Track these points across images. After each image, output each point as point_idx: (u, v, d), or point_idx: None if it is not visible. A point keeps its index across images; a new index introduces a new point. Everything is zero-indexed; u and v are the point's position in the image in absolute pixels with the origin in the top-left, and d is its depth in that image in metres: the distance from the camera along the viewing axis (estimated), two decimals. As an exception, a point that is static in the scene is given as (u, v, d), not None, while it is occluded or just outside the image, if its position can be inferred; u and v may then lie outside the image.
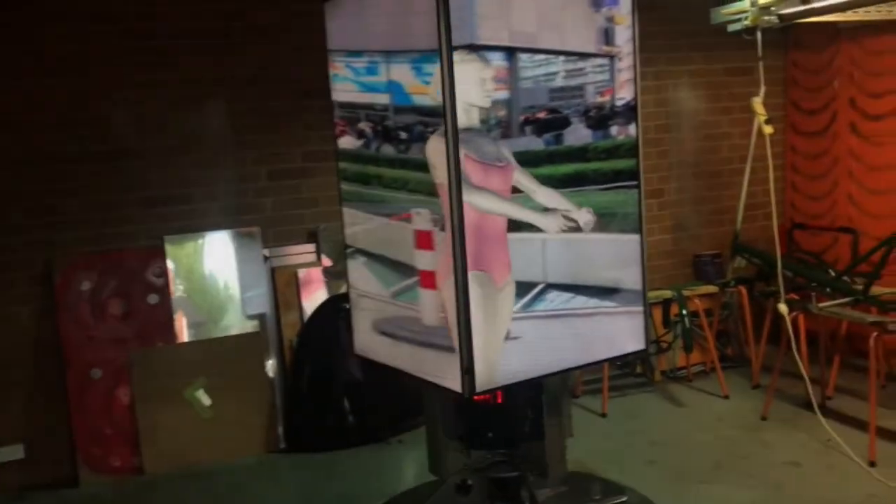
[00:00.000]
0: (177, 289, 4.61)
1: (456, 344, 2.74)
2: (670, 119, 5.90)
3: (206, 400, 4.58)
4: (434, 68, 2.75)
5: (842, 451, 4.08)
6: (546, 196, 2.92)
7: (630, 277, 3.15)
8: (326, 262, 4.93)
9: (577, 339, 3.05)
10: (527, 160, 2.90)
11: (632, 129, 3.10)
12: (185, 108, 4.61)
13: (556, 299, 3.03)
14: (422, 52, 2.80)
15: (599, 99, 3.06)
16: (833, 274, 4.93)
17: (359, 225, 3.20)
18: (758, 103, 4.61)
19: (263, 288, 4.79)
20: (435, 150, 2.73)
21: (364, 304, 3.23)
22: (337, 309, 4.76)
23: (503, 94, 2.87)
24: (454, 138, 2.64)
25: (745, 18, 4.18)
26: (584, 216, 3.00)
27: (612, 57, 3.07)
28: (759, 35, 4.47)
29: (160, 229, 4.58)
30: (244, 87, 4.72)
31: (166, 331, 4.58)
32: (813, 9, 3.97)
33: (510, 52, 2.92)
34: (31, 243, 4.35)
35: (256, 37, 4.72)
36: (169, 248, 4.59)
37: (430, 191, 2.79)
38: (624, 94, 3.09)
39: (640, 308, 3.17)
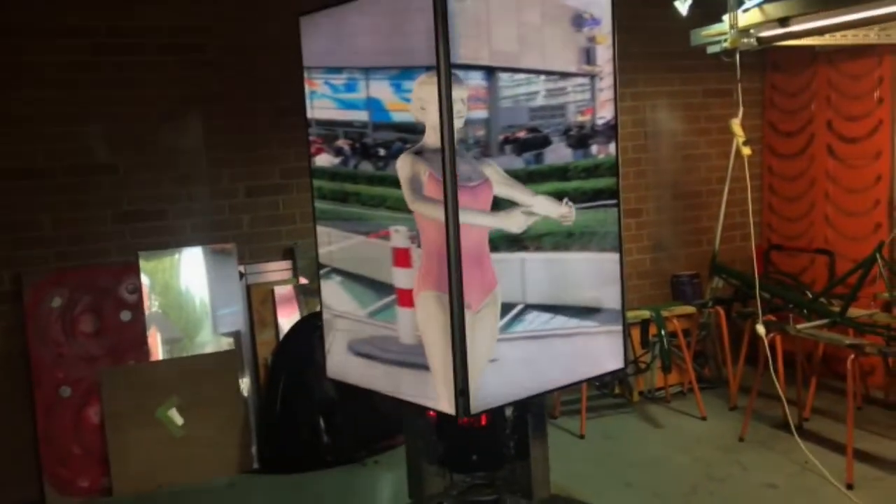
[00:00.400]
0: (150, 305, 4.53)
1: (431, 363, 2.70)
2: (648, 139, 5.91)
3: (178, 419, 4.49)
4: (412, 85, 2.74)
5: (819, 474, 4.07)
6: (543, 205, 2.90)
7: (609, 296, 3.13)
8: (303, 279, 4.88)
9: (557, 359, 3.02)
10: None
11: (612, 147, 3.09)
12: (161, 123, 4.55)
13: (535, 320, 3.01)
14: (401, 69, 2.78)
15: (580, 118, 3.04)
16: (810, 295, 4.94)
17: (335, 244, 3.15)
18: (736, 124, 4.64)
19: (239, 305, 4.72)
20: (402, 166, 2.72)
21: (339, 325, 3.18)
22: (313, 327, 4.69)
23: (482, 114, 2.84)
24: (451, 156, 2.61)
25: (725, 41, 4.19)
26: (561, 209, 2.97)
27: (593, 76, 3.07)
28: (737, 57, 4.49)
29: (134, 245, 4.51)
30: (221, 103, 4.67)
31: (139, 348, 4.50)
32: (791, 32, 3.99)
33: (490, 71, 2.90)
34: (-1, 259, 4.26)
35: (234, 53, 4.68)
36: (143, 264, 4.52)
37: (408, 207, 2.77)
38: (604, 114, 3.08)
39: (620, 327, 3.15)
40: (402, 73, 2.78)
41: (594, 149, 3.07)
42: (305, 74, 3.13)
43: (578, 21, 3.05)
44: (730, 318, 5.43)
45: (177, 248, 4.61)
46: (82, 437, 4.37)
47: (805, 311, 4.76)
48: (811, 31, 4.00)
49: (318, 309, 4.81)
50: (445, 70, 2.61)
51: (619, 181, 3.12)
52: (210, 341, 4.66)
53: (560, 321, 3.03)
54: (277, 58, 4.71)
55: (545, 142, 3.02)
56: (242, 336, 4.73)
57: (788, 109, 5.98)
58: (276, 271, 4.85)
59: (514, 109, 2.99)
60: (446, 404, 2.72)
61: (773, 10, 4.02)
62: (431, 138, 2.66)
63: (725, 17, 4.28)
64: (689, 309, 5.38)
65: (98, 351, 4.42)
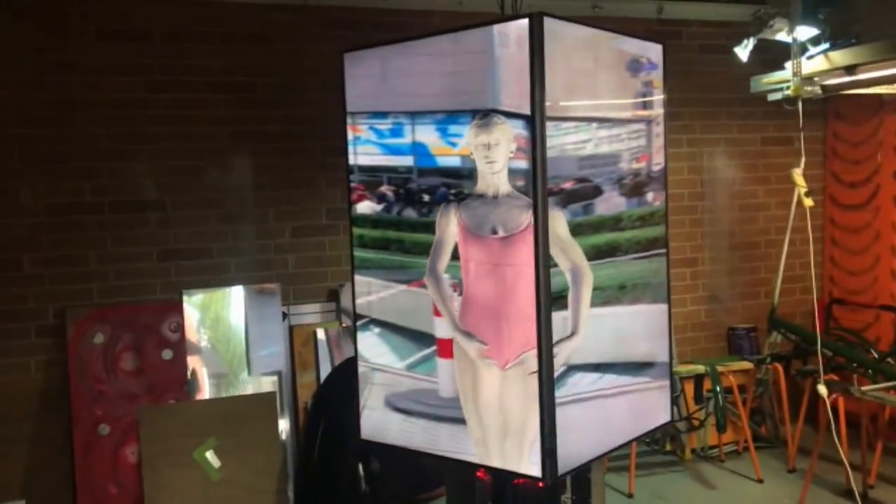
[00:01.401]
0: (192, 345, 4.49)
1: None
2: (705, 187, 5.74)
3: (215, 461, 4.41)
4: (460, 129, 2.67)
5: (886, 548, 3.81)
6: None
7: (662, 350, 2.98)
8: (346, 322, 4.79)
9: (606, 420, 2.86)
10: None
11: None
12: (208, 161, 4.55)
13: (579, 382, 2.86)
14: (448, 113, 2.71)
15: (635, 165, 2.92)
16: (875, 354, 4.69)
17: (374, 294, 3.06)
18: (798, 174, 4.46)
19: (280, 346, 4.65)
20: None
21: (376, 379, 3.08)
22: (353, 371, 4.59)
23: (522, 164, 2.71)
24: (543, 203, 2.54)
25: (787, 88, 4.04)
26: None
27: (649, 122, 2.95)
28: (799, 105, 4.33)
29: (178, 283, 4.48)
30: (268, 141, 4.66)
31: (179, 388, 4.44)
32: (858, 81, 3.83)
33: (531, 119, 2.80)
34: (44, 293, 4.27)
35: (283, 92, 4.67)
36: (186, 303, 4.48)
37: (454, 254, 2.68)
38: (660, 160, 2.97)
39: (668, 381, 2.99)
40: (449, 118, 2.71)
41: (650, 196, 2.95)
42: (349, 120, 3.05)
43: (635, 66, 2.94)
44: (788, 376, 5.19)
45: (220, 287, 4.57)
46: (119, 477, 4.32)
47: (869, 371, 4.52)
48: (879, 79, 3.83)
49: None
50: (540, 118, 2.52)
51: (667, 229, 2.98)
52: (250, 383, 4.59)
53: (609, 380, 2.87)
54: (325, 97, 4.69)
55: (596, 192, 2.90)
56: (283, 378, 4.65)
57: (852, 159, 5.76)
58: (320, 313, 4.78)
59: (559, 159, 2.86)
60: (525, 465, 2.59)
61: (839, 58, 3.87)
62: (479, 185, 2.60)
63: (788, 64, 4.13)
64: (746, 364, 5.15)
65: (138, 389, 4.38)
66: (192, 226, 4.52)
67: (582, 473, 2.97)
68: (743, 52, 4.29)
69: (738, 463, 5.12)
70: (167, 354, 4.45)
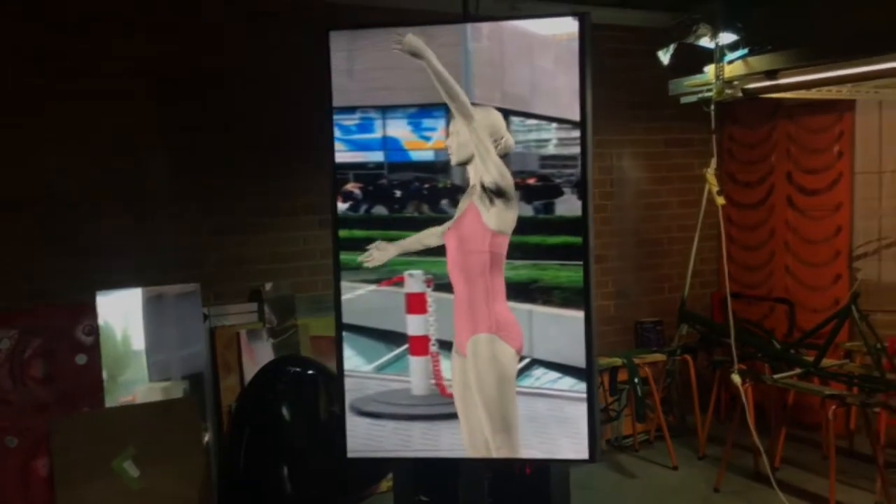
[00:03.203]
0: (108, 348, 4.24)
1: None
2: (614, 187, 5.92)
3: (134, 471, 4.19)
4: (434, 123, 2.65)
5: (801, 526, 4.06)
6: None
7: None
8: (270, 322, 4.65)
9: (565, 423, 2.90)
10: (517, 227, 2.81)
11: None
12: (124, 155, 4.30)
13: (543, 377, 2.90)
14: (421, 107, 2.68)
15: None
16: (777, 345, 4.98)
17: (342, 296, 2.99)
18: (710, 174, 4.67)
19: (202, 349, 4.46)
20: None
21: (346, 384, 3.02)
22: (280, 373, 4.49)
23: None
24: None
25: (709, 91, 4.23)
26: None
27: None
28: (712, 109, 4.54)
29: (92, 284, 4.21)
30: (189, 135, 4.46)
31: (94, 394, 4.19)
32: (779, 84, 4.05)
33: (503, 113, 2.82)
34: (-56, 297, 3.93)
35: (203, 84, 4.48)
36: (101, 304, 4.23)
37: (426, 248, 2.67)
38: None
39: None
40: (422, 111, 2.68)
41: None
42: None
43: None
44: (696, 366, 5.43)
45: (137, 288, 4.34)
46: (29, 492, 4.02)
47: (774, 360, 4.79)
48: (799, 84, 4.07)
49: (285, 354, 4.66)
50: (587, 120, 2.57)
51: (588, 239, 2.95)
52: (170, 387, 4.38)
53: (567, 382, 2.92)
54: (252, 90, 4.55)
55: (557, 191, 2.94)
56: (205, 381, 4.47)
57: (747, 161, 6.09)
58: (242, 313, 4.62)
59: (524, 155, 2.91)
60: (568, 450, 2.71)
61: (758, 63, 4.08)
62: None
63: (708, 68, 4.32)
64: (660, 356, 5.35)
65: (49, 397, 4.10)
66: (106, 223, 4.26)
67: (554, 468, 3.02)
68: (665, 56, 4.45)
69: (651, 452, 5.32)
70: (81, 359, 4.19)
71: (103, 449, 4.14)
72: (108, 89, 4.24)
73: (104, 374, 4.23)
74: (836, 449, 5.12)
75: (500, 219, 2.74)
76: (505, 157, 2.77)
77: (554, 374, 2.85)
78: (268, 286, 4.64)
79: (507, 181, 2.73)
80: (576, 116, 2.89)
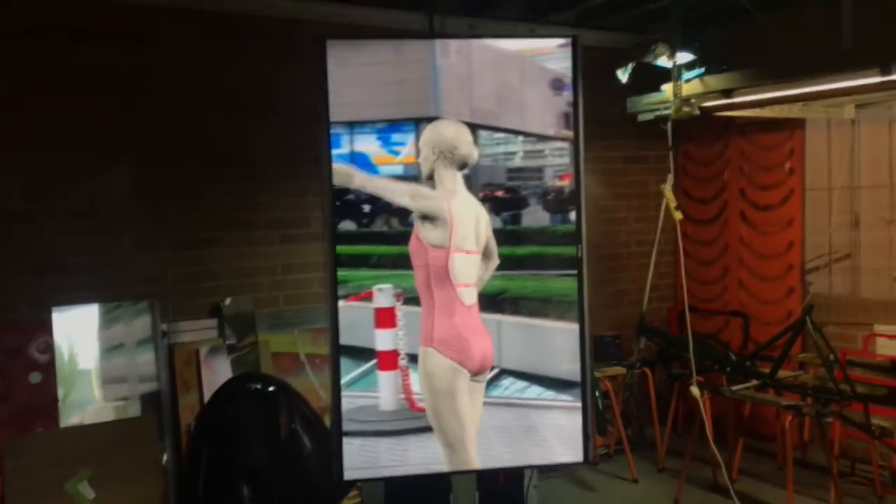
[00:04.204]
0: (63, 367, 4.14)
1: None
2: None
3: (89, 493, 4.08)
4: (403, 137, 2.67)
5: (761, 536, 4.12)
6: None
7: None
8: (230, 339, 4.59)
9: (529, 433, 2.92)
10: (486, 239, 2.84)
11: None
12: (83, 169, 4.23)
13: (511, 387, 2.92)
14: (389, 122, 2.69)
15: (558, 182, 3.02)
16: (733, 357, 5.07)
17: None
18: (668, 190, 4.74)
19: (160, 366, 4.38)
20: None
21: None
22: (241, 390, 4.43)
23: (465, 170, 2.81)
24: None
25: (667, 109, 4.31)
26: None
27: (572, 141, 3.05)
28: (669, 126, 4.64)
29: (48, 300, 4.12)
30: (148, 149, 4.40)
31: (48, 414, 4.08)
32: (734, 103, 4.15)
33: (471, 128, 2.85)
34: None
35: (168, 98, 4.43)
36: (57, 321, 4.13)
37: (395, 262, 2.67)
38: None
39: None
40: (391, 126, 2.69)
41: (572, 215, 3.04)
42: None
43: (558, 85, 3.04)
44: (655, 379, 5.50)
45: (94, 304, 4.25)
46: (-21, 516, 3.90)
47: (728, 371, 4.86)
48: (753, 102, 4.17)
49: (245, 371, 4.59)
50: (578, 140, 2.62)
51: (583, 250, 3.04)
52: (127, 406, 4.29)
53: (535, 391, 2.94)
54: (213, 103, 4.52)
55: (523, 203, 2.98)
56: (163, 399, 4.38)
57: (702, 177, 6.21)
58: (202, 330, 4.55)
59: (492, 168, 2.95)
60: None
61: (714, 82, 4.18)
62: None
63: (666, 87, 4.41)
64: (620, 369, 5.41)
65: (2, 417, 3.99)
66: (63, 238, 4.18)
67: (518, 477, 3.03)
68: (623, 75, 4.53)
69: (610, 465, 5.36)
70: (35, 378, 4.09)
71: (58, 470, 4.03)
72: (62, 101, 4.17)
73: (59, 393, 4.13)
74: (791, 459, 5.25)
75: (433, 233, 2.75)
76: (464, 168, 2.78)
77: (522, 384, 2.87)
78: (227, 302, 4.59)
79: None
80: (540, 130, 2.95)
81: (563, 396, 2.99)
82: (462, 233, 2.76)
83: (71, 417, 4.16)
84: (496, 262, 2.86)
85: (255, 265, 4.72)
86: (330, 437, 3.03)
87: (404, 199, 2.71)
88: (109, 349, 4.30)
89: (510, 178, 2.95)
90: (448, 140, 2.72)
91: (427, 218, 2.71)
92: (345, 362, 2.80)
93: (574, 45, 2.69)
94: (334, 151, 2.75)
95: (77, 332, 4.22)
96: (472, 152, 2.79)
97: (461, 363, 2.73)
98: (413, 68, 2.68)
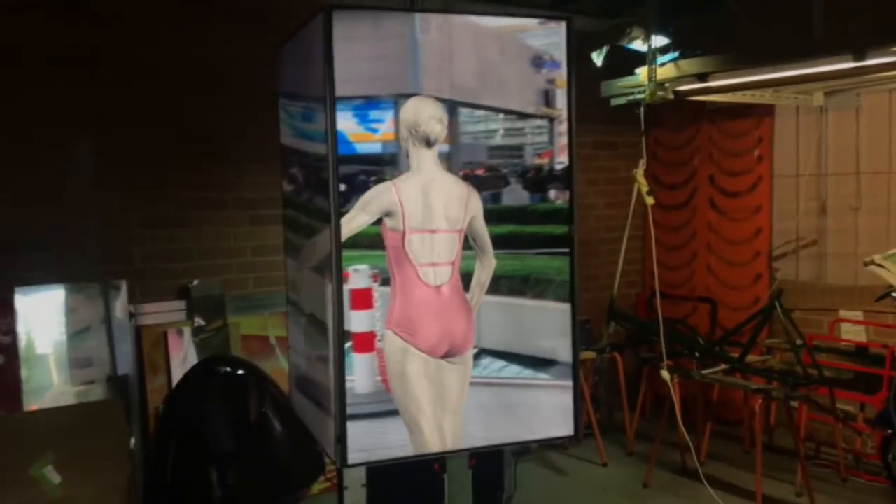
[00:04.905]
0: (25, 348, 4.03)
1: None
2: (544, 186, 5.98)
3: (55, 478, 3.98)
4: (381, 114, 2.63)
5: (729, 518, 4.17)
6: None
7: (565, 349, 3.05)
8: (199, 321, 4.52)
9: (509, 411, 2.91)
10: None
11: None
12: (47, 144, 4.12)
13: (489, 366, 2.90)
14: (367, 98, 2.64)
15: (538, 161, 3.00)
16: (702, 342, 5.11)
17: (292, 275, 2.93)
18: (640, 174, 4.75)
19: (127, 348, 4.30)
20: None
21: (293, 359, 2.96)
22: (209, 373, 4.36)
23: (444, 147, 2.77)
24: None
25: (642, 93, 4.31)
26: None
27: (551, 119, 3.03)
28: (642, 111, 4.64)
29: (9, 280, 4.01)
30: (115, 124, 4.29)
31: (11, 397, 3.98)
32: (709, 87, 4.16)
33: (451, 105, 2.82)
34: None
35: (133, 73, 4.32)
36: (19, 302, 4.02)
37: (372, 243, 2.62)
38: (563, 158, 3.05)
39: (569, 383, 3.03)
40: (369, 103, 2.64)
41: (552, 193, 3.02)
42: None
43: (538, 62, 3.02)
44: (625, 363, 5.53)
45: (58, 284, 4.15)
46: (-61, 501, 3.79)
47: (697, 355, 4.90)
48: (727, 87, 4.19)
49: (214, 354, 4.52)
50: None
51: (573, 229, 3.06)
52: (93, 389, 4.20)
53: (514, 370, 2.93)
54: (183, 81, 4.42)
55: (503, 181, 2.96)
56: (130, 382, 4.30)
57: (671, 163, 6.25)
58: (170, 311, 4.47)
59: (473, 146, 2.92)
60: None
61: (689, 66, 4.19)
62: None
63: (640, 70, 4.41)
64: (590, 354, 5.43)
65: (-38, 400, 3.88)
66: (24, 215, 4.07)
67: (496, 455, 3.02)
68: (598, 58, 4.53)
69: (579, 449, 5.38)
70: (-3, 360, 3.98)
71: (22, 454, 3.93)
72: (27, 77, 4.05)
73: (23, 376, 4.02)
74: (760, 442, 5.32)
75: (388, 219, 2.69)
76: (430, 145, 2.72)
77: (500, 363, 2.85)
78: (195, 283, 4.51)
79: None
80: (521, 107, 2.93)
81: (542, 375, 2.98)
82: (419, 214, 2.69)
83: (35, 401, 4.06)
84: (491, 261, 2.80)
85: (225, 246, 4.65)
86: (299, 422, 3.00)
87: (363, 219, 2.64)
88: (75, 332, 4.20)
89: (491, 156, 2.92)
90: (411, 117, 2.67)
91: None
92: (320, 337, 2.76)
93: (568, 28, 2.70)
94: (310, 125, 2.69)
95: (41, 313, 4.11)
96: (433, 129, 2.69)
97: (413, 344, 2.70)
98: (392, 44, 2.63)
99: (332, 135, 2.53)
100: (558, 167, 3.03)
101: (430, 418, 2.74)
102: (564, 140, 3.03)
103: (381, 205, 2.63)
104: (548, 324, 3.00)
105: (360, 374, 2.75)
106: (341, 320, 2.56)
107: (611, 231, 6.20)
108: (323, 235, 2.61)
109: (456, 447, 2.79)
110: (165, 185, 4.45)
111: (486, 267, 2.81)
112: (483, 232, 2.80)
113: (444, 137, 2.73)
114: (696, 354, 4.93)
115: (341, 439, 2.51)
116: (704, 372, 4.62)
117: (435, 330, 2.73)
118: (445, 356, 2.76)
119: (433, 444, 2.73)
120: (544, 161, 3.01)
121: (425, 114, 2.68)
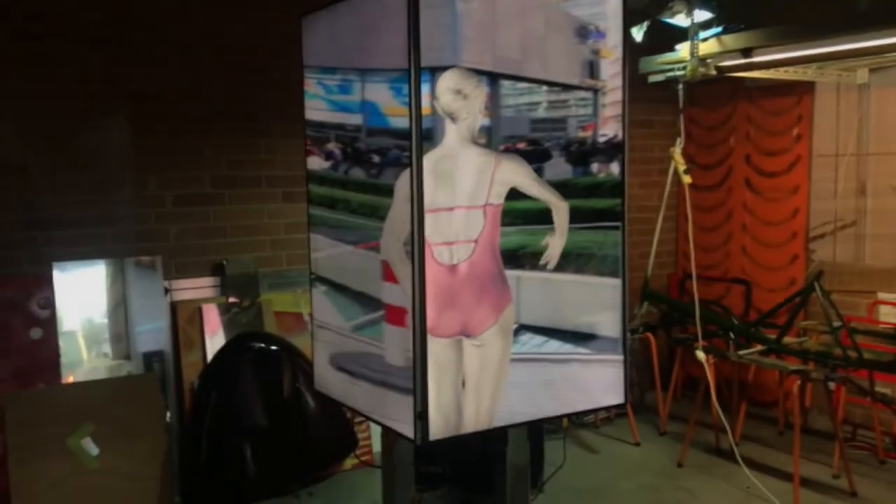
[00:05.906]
0: (64, 322, 4.06)
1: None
2: (577, 165, 5.92)
3: (92, 449, 4.03)
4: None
5: (766, 499, 4.12)
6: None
7: (606, 323, 3.00)
8: (232, 298, 4.53)
9: (549, 386, 2.88)
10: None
11: (614, 167, 2.99)
12: (83, 121, 4.13)
13: (529, 342, 2.87)
14: (403, 71, 2.59)
15: (581, 133, 2.94)
16: (737, 323, 5.06)
17: (322, 251, 2.91)
18: (677, 153, 4.68)
19: (163, 324, 4.32)
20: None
21: (322, 336, 2.94)
22: (243, 349, 4.38)
23: (485, 121, 2.71)
24: None
25: (682, 69, 4.24)
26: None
27: (595, 91, 2.98)
28: (681, 88, 4.57)
29: (48, 255, 4.04)
30: (150, 102, 4.29)
31: (50, 370, 4.02)
32: (753, 63, 4.08)
33: (493, 77, 2.77)
34: None
35: (166, 50, 4.32)
36: (57, 277, 4.05)
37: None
38: (607, 131, 2.99)
39: (616, 357, 3.01)
40: (404, 76, 2.59)
41: (594, 167, 2.97)
42: (304, 74, 2.87)
43: (583, 32, 2.96)
44: (658, 344, 5.49)
45: (96, 260, 4.17)
46: (-20, 471, 3.84)
47: (735, 337, 4.85)
48: (773, 62, 4.10)
49: (248, 330, 4.53)
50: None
51: (625, 203, 3.00)
52: (130, 363, 4.23)
53: (554, 345, 2.90)
54: (219, 59, 4.42)
55: (545, 155, 2.90)
56: (166, 357, 4.32)
57: (706, 143, 6.16)
58: (205, 287, 4.48)
59: (515, 119, 2.87)
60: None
61: (732, 41, 4.11)
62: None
63: (681, 46, 4.34)
64: (623, 334, 5.37)
65: (2, 373, 3.92)
66: (62, 192, 4.08)
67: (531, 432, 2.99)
68: (638, 33, 4.45)
69: (612, 428, 5.36)
70: (36, 333, 4.01)
71: (60, 426, 3.97)
72: (62, 54, 4.05)
73: (61, 349, 4.05)
74: (790, 424, 5.26)
75: None
76: (453, 120, 2.63)
77: (540, 338, 2.82)
78: (229, 260, 4.51)
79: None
80: (565, 79, 2.87)
81: (582, 349, 2.94)
82: (430, 192, 2.57)
83: (72, 374, 4.09)
84: (558, 204, 2.75)
85: (259, 223, 4.64)
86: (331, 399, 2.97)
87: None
88: (112, 305, 4.22)
89: (533, 129, 2.87)
90: (436, 91, 2.59)
91: None
92: (354, 307, 2.74)
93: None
94: (344, 97, 2.65)
95: (79, 287, 4.14)
96: (445, 100, 2.59)
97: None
98: (430, 14, 2.57)
99: (417, 107, 2.43)
100: (601, 140, 2.98)
101: (435, 396, 2.63)
102: (608, 112, 2.97)
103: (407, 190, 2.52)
104: (588, 298, 2.96)
105: (390, 344, 2.72)
106: (423, 298, 2.47)
107: (643, 211, 6.12)
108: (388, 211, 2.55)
109: (478, 427, 2.71)
110: (200, 163, 4.44)
111: (559, 210, 2.76)
112: (535, 191, 2.72)
113: (458, 110, 2.60)
114: (731, 336, 4.88)
115: (422, 415, 2.47)
116: (742, 353, 4.56)
117: (443, 310, 2.62)
118: (460, 335, 2.65)
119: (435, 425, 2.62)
120: (588, 134, 2.95)
121: (443, 85, 2.60)
